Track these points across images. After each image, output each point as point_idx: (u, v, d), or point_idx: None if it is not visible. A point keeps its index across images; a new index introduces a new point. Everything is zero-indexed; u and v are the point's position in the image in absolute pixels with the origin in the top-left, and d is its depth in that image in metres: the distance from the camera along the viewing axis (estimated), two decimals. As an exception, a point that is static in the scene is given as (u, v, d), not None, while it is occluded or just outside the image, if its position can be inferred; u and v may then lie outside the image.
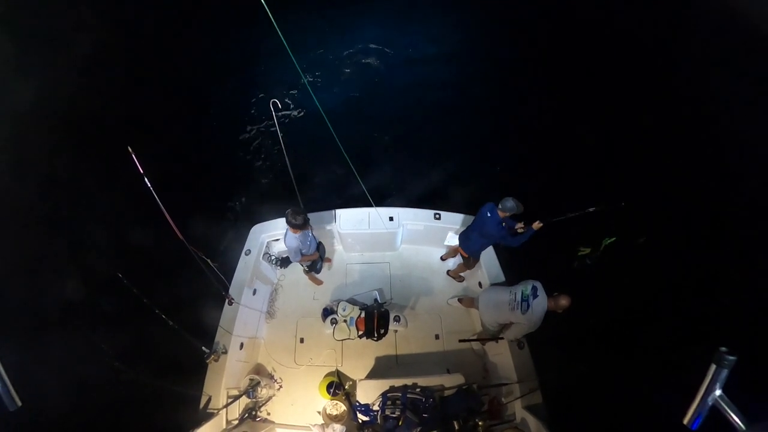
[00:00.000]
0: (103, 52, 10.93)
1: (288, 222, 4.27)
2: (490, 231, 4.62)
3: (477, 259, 5.29)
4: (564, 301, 4.05)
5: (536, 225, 4.54)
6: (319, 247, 5.24)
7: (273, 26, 2.97)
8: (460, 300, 5.52)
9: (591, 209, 4.40)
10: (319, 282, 5.76)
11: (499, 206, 4.46)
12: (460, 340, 4.97)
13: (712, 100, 9.84)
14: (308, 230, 4.62)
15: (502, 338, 4.76)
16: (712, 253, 7.16)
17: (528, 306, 4.11)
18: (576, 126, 9.28)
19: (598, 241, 4.56)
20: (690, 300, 6.54)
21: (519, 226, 4.60)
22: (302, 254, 4.71)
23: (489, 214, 4.60)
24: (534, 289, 4.16)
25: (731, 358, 1.41)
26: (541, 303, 4.09)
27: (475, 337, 5.06)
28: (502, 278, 5.20)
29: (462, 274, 5.77)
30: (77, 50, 10.72)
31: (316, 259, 5.18)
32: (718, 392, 1.48)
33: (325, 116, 3.80)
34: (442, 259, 6.01)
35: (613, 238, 4.43)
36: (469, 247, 5.07)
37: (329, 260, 6.00)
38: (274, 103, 4.02)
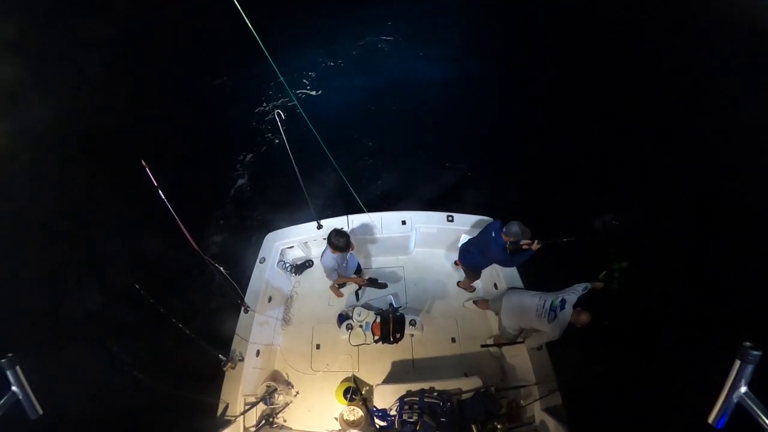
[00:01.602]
0: (114, 70, 11.20)
1: (329, 242, 4.26)
2: (492, 254, 4.54)
3: (477, 273, 5.23)
4: (584, 317, 4.01)
5: (534, 246, 4.45)
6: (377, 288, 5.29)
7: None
8: (476, 302, 5.47)
9: (588, 238, 4.36)
10: (340, 294, 5.73)
11: (504, 230, 4.34)
12: (482, 346, 4.92)
13: (723, 98, 9.71)
14: (347, 253, 4.55)
15: (521, 341, 4.69)
16: (734, 246, 7.00)
17: (555, 316, 4.08)
18: (588, 127, 9.20)
19: (608, 266, 4.50)
20: (711, 294, 6.41)
21: (524, 243, 4.49)
22: (338, 274, 4.70)
23: (494, 235, 4.48)
24: (563, 301, 4.13)
25: (756, 353, 1.37)
26: (566, 315, 4.05)
27: (495, 342, 5.00)
28: (518, 280, 5.12)
29: (472, 284, 5.72)
30: (89, 69, 11.03)
31: (357, 282, 5.25)
32: (743, 389, 1.43)
33: (315, 130, 3.85)
34: (456, 264, 5.96)
35: (624, 263, 4.38)
36: (468, 261, 5.03)
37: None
38: (278, 114, 4.07)
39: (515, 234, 4.26)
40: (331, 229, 5.45)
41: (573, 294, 4.16)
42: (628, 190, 7.96)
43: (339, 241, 4.21)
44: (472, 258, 4.95)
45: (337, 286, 5.51)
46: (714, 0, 12.26)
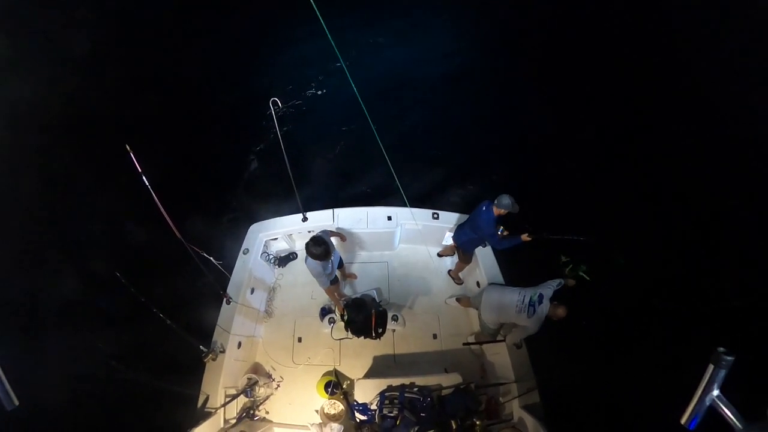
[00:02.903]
0: (100, 51, 10.92)
1: (309, 252, 4.11)
2: (480, 225, 4.68)
3: (468, 254, 5.30)
4: (561, 311, 4.15)
5: (525, 237, 4.56)
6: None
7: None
8: (458, 299, 5.52)
9: (581, 238, 4.46)
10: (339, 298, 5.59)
11: (495, 202, 4.53)
12: (464, 344, 4.97)
13: (712, 99, 9.90)
14: (329, 260, 4.40)
15: (502, 340, 4.75)
16: (710, 252, 7.18)
17: (534, 311, 4.19)
18: (579, 128, 9.29)
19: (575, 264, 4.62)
20: (688, 299, 6.55)
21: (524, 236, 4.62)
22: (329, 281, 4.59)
23: (484, 209, 4.67)
24: (540, 296, 4.24)
25: (729, 358, 1.41)
26: (544, 309, 4.17)
27: (476, 340, 5.06)
28: (500, 278, 5.19)
29: (460, 274, 5.77)
30: (75, 48, 10.68)
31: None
32: (715, 392, 1.47)
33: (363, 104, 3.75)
34: (439, 255, 6.02)
35: (584, 269, 4.50)
36: (459, 237, 5.14)
37: (354, 276, 5.89)
38: (274, 102, 4.01)
39: (506, 206, 4.43)
40: (316, 226, 5.47)
41: (549, 288, 4.29)
42: (613, 192, 8.06)
43: (317, 250, 4.05)
44: (463, 234, 5.05)
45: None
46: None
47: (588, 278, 4.39)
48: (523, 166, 8.61)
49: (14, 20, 11.48)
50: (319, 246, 4.06)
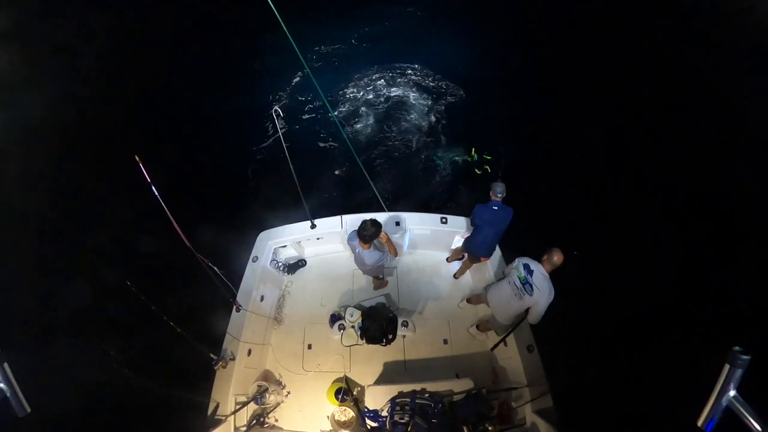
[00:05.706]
0: (110, 63, 11.12)
1: (361, 237, 4.21)
2: (505, 222, 4.75)
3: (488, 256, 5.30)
4: (557, 257, 3.99)
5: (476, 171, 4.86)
6: None
7: (280, 34, 3.01)
8: (468, 300, 5.49)
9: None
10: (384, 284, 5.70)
11: (499, 194, 4.63)
12: (492, 349, 4.93)
13: (721, 94, 9.83)
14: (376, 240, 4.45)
15: (523, 319, 4.59)
16: (726, 251, 7.08)
17: (531, 286, 4.06)
18: (582, 130, 9.25)
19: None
20: (702, 298, 6.47)
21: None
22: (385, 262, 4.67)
23: (495, 208, 4.70)
24: (526, 267, 4.12)
25: (745, 357, 1.39)
26: (539, 275, 4.05)
27: (502, 336, 4.98)
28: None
29: (468, 272, 5.77)
30: (84, 61, 10.92)
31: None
32: (732, 393, 1.45)
33: (339, 125, 3.81)
34: (448, 260, 6.00)
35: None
36: (484, 248, 5.08)
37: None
38: (276, 111, 4.05)
39: (504, 189, 4.67)
40: (325, 233, 5.55)
41: (524, 259, 4.20)
42: (623, 194, 8.00)
43: (367, 230, 4.13)
44: (489, 244, 5.03)
45: (381, 278, 5.44)
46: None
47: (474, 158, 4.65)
48: (528, 171, 8.57)
49: (26, 35, 11.71)
50: (367, 223, 4.14)
